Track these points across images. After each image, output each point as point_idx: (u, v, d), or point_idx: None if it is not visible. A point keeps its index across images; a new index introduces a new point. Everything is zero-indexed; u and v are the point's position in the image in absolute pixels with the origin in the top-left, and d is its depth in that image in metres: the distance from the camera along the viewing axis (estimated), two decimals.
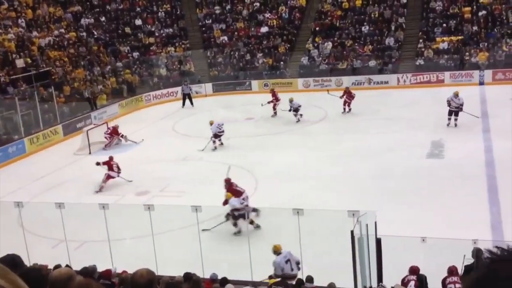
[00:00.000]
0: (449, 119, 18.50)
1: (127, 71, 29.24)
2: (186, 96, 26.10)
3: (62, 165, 18.08)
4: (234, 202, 11.86)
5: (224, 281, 8.25)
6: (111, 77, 28.25)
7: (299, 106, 21.26)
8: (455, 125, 18.41)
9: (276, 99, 22.24)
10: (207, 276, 8.94)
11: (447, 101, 18.60)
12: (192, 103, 25.93)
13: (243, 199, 12.01)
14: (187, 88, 26.25)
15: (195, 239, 10.39)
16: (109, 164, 15.63)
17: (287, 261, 9.56)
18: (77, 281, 2.21)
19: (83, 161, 18.64)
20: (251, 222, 11.67)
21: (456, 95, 18.48)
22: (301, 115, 21.24)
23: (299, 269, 9.64)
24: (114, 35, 31.49)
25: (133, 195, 14.70)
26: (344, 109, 21.97)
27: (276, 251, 9.65)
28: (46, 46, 27.18)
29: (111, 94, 26.83)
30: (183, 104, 26.04)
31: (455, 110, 18.37)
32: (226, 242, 11.54)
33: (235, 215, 11.77)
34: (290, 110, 21.39)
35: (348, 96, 21.93)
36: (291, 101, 21.32)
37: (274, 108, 22.37)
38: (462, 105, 18.36)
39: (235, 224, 11.86)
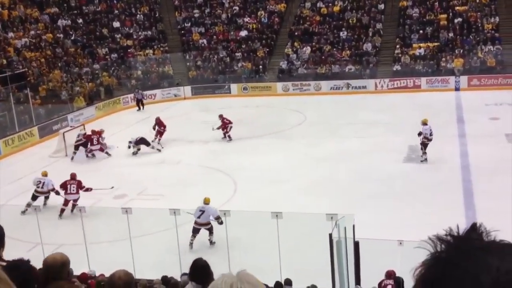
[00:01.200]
0: (425, 153, 15.76)
1: (104, 73, 28.95)
2: (139, 102, 26.62)
3: (38, 168, 17.75)
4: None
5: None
6: (89, 79, 27.93)
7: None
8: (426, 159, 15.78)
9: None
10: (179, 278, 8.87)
11: (419, 133, 15.73)
12: (142, 108, 26.32)
13: None
14: (139, 95, 26.67)
15: (173, 242, 10.33)
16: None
17: (201, 211, 11.43)
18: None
19: (59, 163, 18.36)
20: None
21: (424, 123, 15.84)
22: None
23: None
24: (91, 37, 31.16)
25: (110, 198, 14.53)
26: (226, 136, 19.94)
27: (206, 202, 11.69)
28: (23, 47, 26.76)
29: (88, 96, 26.51)
30: (138, 108, 26.45)
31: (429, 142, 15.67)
32: (205, 245, 11.48)
33: None
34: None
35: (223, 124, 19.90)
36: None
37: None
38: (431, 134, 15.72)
39: None
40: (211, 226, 11.63)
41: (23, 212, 13.22)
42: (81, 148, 18.97)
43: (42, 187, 14.17)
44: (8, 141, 20.42)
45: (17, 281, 2.53)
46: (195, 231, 11.53)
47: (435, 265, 0.79)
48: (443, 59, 26.83)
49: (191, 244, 11.46)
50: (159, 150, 18.95)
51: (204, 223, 11.50)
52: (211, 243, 11.66)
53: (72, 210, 13.38)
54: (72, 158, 18.80)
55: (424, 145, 15.70)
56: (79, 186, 13.91)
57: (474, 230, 0.82)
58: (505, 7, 28.18)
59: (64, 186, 13.86)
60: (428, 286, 0.78)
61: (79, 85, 26.73)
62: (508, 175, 13.98)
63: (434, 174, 14.54)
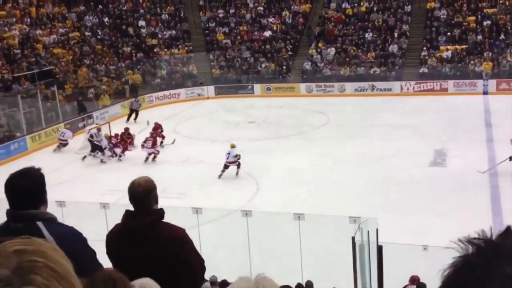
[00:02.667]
0: None
1: (129, 71, 29.23)
2: (134, 112, 24.41)
3: (63, 164, 18.03)
4: None
5: (224, 283, 8.17)
6: (114, 77, 28.24)
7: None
8: None
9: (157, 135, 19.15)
10: (207, 278, 8.87)
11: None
12: (135, 119, 24.06)
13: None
14: (137, 104, 24.74)
15: (195, 241, 10.32)
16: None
17: (228, 153, 15.89)
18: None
19: (84, 160, 18.59)
20: None
21: None
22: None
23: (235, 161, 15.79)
24: (117, 35, 31.50)
25: None
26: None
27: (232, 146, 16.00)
28: (50, 45, 27.19)
29: (114, 95, 26.79)
30: (128, 119, 24.10)
31: None
32: (226, 245, 11.47)
33: None
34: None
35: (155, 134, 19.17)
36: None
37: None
38: None
39: None
40: (238, 163, 15.95)
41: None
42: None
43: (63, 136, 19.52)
44: (35, 137, 20.75)
45: (30, 186, 2.54)
46: (225, 167, 15.88)
47: (462, 269, 0.76)
48: (471, 62, 26.38)
49: (219, 176, 15.88)
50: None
51: (231, 161, 15.91)
52: (237, 174, 16.01)
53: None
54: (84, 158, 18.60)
55: None
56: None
57: (508, 235, 0.78)
58: None
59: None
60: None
61: (105, 83, 27.04)
62: None
63: (460, 179, 14.27)
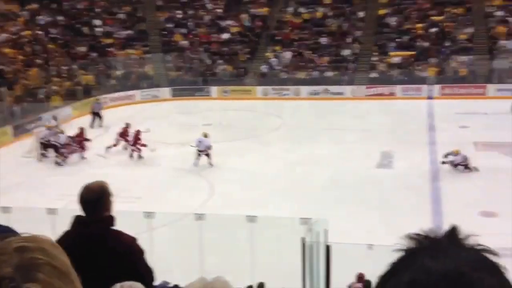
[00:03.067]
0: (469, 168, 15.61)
1: (82, 72, 28.70)
2: (96, 115, 23.33)
3: (10, 168, 17.51)
4: None
5: None
6: (66, 77, 27.66)
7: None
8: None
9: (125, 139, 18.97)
10: (157, 283, 8.98)
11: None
12: (100, 121, 23.25)
13: None
14: (98, 106, 23.68)
15: (147, 246, 10.38)
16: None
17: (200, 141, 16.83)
18: None
19: (31, 164, 18.14)
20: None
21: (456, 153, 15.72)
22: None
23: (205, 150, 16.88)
24: (71, 35, 30.94)
25: None
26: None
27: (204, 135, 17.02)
28: (1, 43, 26.47)
29: (66, 96, 26.16)
30: (92, 124, 22.79)
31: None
32: (179, 249, 11.60)
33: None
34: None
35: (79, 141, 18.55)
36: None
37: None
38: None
39: None
40: (208, 153, 16.93)
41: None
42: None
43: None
44: None
45: None
46: (198, 156, 16.95)
47: (393, 263, 0.81)
48: (418, 67, 27.40)
49: (195, 164, 16.97)
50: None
51: (202, 150, 16.90)
52: (210, 164, 17.05)
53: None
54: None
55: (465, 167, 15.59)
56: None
57: (451, 234, 0.81)
58: (478, 19, 28.90)
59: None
60: (379, 277, 0.82)
61: (56, 84, 26.43)
62: (473, 182, 14.51)
63: (404, 180, 14.94)
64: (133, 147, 18.39)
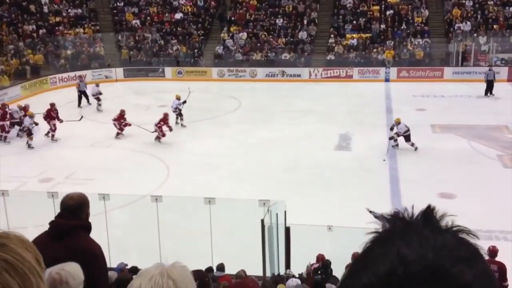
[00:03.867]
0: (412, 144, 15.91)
1: (29, 50, 27.54)
2: (82, 94, 22.88)
3: None
4: None
5: (134, 270, 8.06)
6: (15, 59, 26.48)
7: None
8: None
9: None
10: (115, 265, 8.69)
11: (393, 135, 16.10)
12: (88, 101, 22.88)
13: None
14: (83, 85, 23.01)
15: (102, 228, 10.06)
16: None
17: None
18: None
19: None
20: None
21: (398, 122, 16.09)
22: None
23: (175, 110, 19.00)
24: (18, 13, 29.52)
25: (36, 181, 13.95)
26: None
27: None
28: None
29: (14, 75, 25.17)
30: (79, 103, 22.71)
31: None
32: (136, 231, 11.29)
33: None
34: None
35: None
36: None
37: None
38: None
39: None
40: (179, 112, 19.17)
41: None
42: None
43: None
44: None
45: None
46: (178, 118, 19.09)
47: (368, 245, 0.77)
48: (374, 50, 27.64)
49: (178, 123, 19.10)
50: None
51: (173, 110, 18.96)
52: (182, 126, 19.14)
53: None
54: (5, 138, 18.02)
55: (406, 139, 15.84)
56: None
57: (427, 214, 0.77)
58: (434, 1, 29.37)
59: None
60: (352, 263, 0.78)
61: (3, 63, 25.30)
62: (431, 164, 14.73)
63: (363, 162, 15.03)
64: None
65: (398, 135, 15.92)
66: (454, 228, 0.75)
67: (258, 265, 9.22)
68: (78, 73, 27.16)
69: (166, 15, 30.91)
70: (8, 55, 26.42)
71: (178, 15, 30.78)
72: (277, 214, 9.97)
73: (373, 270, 0.70)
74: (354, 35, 28.31)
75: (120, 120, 18.26)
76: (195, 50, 29.12)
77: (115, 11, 31.29)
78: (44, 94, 24.78)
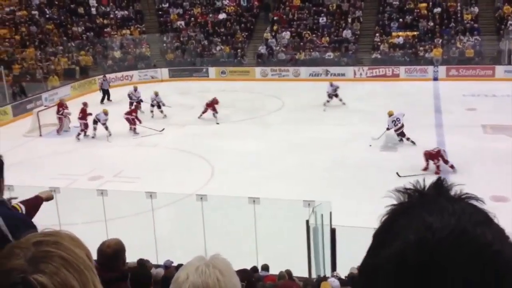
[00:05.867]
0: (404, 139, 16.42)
1: (81, 52, 28.37)
2: (105, 92, 24.12)
3: (11, 147, 17.36)
4: None
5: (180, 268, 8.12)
6: (63, 57, 27.33)
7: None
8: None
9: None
10: (161, 262, 8.80)
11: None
12: (109, 99, 23.89)
13: None
14: (106, 83, 24.32)
15: (149, 226, 10.21)
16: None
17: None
18: None
19: (33, 143, 18.00)
20: None
21: (390, 114, 16.60)
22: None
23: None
24: (67, 15, 30.43)
25: (85, 179, 14.31)
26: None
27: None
28: None
29: (63, 76, 25.96)
30: (102, 100, 23.74)
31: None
32: (181, 229, 11.40)
33: None
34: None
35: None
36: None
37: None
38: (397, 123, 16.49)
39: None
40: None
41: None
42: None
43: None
44: None
45: None
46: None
47: (384, 217, 0.82)
48: (421, 48, 26.99)
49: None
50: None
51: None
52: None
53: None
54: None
55: (400, 134, 16.27)
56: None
57: (437, 185, 0.83)
58: None
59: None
60: (374, 237, 0.82)
61: (53, 64, 26.13)
62: (482, 165, 14.22)
63: (410, 163, 14.65)
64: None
65: (388, 129, 16.32)
66: (464, 196, 0.81)
67: (303, 266, 9.13)
68: (125, 73, 27.82)
69: (210, 15, 31.17)
70: (58, 56, 27.25)
71: (222, 16, 30.98)
72: (322, 215, 9.85)
73: (403, 239, 0.74)
74: (400, 33, 27.74)
75: (132, 114, 18.80)
76: (238, 50, 29.23)
77: (160, 13, 31.83)
78: (92, 94, 25.45)
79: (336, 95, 21.06)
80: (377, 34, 27.96)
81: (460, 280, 0.70)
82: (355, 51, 27.93)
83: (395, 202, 0.83)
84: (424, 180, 0.84)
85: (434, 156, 14.01)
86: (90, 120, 18.48)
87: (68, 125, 19.31)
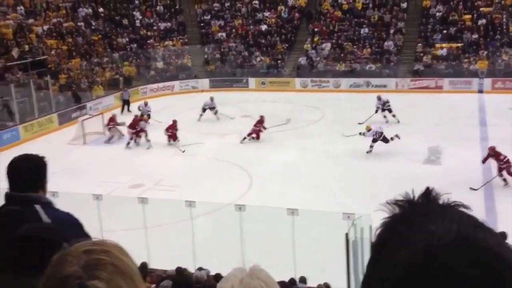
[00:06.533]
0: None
1: (126, 63, 29.05)
2: (125, 103, 24.58)
3: (56, 154, 17.86)
4: None
5: (218, 277, 8.13)
6: (108, 68, 28.06)
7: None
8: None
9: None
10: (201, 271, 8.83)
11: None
12: (129, 109, 24.04)
13: None
14: (126, 94, 24.79)
15: (188, 234, 10.28)
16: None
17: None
18: None
19: (77, 151, 18.47)
20: None
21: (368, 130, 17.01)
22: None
23: None
24: (112, 26, 31.27)
25: (127, 187, 14.56)
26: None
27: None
28: (43, 34, 26.93)
29: (108, 85, 26.63)
30: (122, 110, 24.06)
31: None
32: (219, 239, 11.42)
33: None
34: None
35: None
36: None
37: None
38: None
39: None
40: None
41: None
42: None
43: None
44: (28, 126, 20.61)
45: (31, 170, 2.50)
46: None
47: (389, 226, 0.82)
48: (465, 60, 26.39)
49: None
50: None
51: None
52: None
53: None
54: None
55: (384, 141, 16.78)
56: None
57: (427, 194, 0.84)
58: None
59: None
60: (375, 249, 0.82)
61: (98, 74, 26.85)
62: None
63: (454, 177, 14.26)
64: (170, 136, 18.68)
65: (375, 139, 16.59)
66: (453, 204, 0.82)
67: (342, 280, 8.98)
68: (167, 84, 28.29)
69: (251, 27, 31.42)
70: (103, 66, 27.99)
71: (263, 27, 31.18)
72: (362, 228, 9.68)
73: (409, 247, 0.75)
74: (443, 45, 27.21)
75: (172, 130, 18.74)
76: (278, 61, 29.32)
77: (202, 24, 32.30)
78: (135, 104, 25.97)
79: (390, 110, 20.49)
80: (420, 46, 27.51)
81: (467, 283, 0.72)
82: (397, 62, 27.56)
83: (388, 214, 0.84)
84: (413, 191, 0.85)
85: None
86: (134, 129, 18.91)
87: (119, 135, 19.67)
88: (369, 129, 16.76)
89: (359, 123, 18.28)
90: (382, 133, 16.67)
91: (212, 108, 22.21)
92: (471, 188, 13.33)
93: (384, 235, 0.82)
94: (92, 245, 1.07)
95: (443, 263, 0.72)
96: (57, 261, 1.04)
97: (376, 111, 20.37)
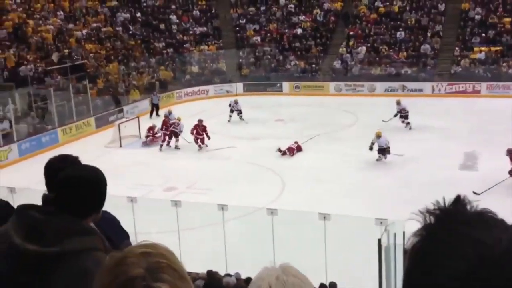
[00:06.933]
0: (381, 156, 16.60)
1: (162, 67, 29.50)
2: (155, 107, 24.80)
3: (93, 157, 18.26)
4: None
5: (249, 280, 8.19)
6: (145, 72, 28.56)
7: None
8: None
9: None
10: (231, 273, 8.90)
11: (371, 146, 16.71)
12: (157, 114, 24.30)
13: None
14: (156, 98, 24.93)
15: (220, 237, 10.38)
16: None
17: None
18: None
19: (113, 154, 18.86)
20: None
21: (378, 136, 16.73)
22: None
23: None
24: (149, 31, 31.81)
25: (160, 190, 14.80)
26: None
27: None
28: (82, 38, 27.64)
29: (144, 90, 27.08)
30: (151, 114, 24.35)
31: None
32: (251, 242, 11.49)
33: None
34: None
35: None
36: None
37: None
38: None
39: None
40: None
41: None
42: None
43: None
44: (66, 129, 21.17)
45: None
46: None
47: (421, 238, 0.82)
48: (504, 64, 25.73)
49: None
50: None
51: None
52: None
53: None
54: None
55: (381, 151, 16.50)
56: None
57: (458, 202, 0.84)
58: None
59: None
60: (415, 259, 0.81)
61: (135, 78, 27.34)
62: None
63: (491, 183, 13.94)
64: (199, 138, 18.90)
65: (381, 150, 16.31)
66: (484, 211, 0.83)
67: (373, 286, 8.91)
68: (201, 88, 28.59)
69: (286, 31, 31.44)
70: (140, 70, 28.50)
71: (298, 31, 31.16)
72: (395, 234, 9.58)
73: (461, 256, 0.75)
74: (482, 48, 26.61)
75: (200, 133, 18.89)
76: (313, 65, 29.24)
77: (237, 29, 32.49)
78: (172, 108, 26.35)
79: (406, 117, 20.26)
80: (457, 49, 26.97)
81: None
82: (434, 66, 27.09)
83: (422, 223, 0.84)
84: (444, 199, 0.85)
85: None
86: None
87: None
88: (379, 136, 16.50)
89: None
90: (385, 148, 16.39)
91: (237, 110, 22.55)
92: (474, 193, 12.99)
93: (426, 243, 0.81)
94: (147, 247, 1.09)
95: (501, 270, 0.73)
96: (118, 262, 1.05)
97: (395, 115, 20.49)
